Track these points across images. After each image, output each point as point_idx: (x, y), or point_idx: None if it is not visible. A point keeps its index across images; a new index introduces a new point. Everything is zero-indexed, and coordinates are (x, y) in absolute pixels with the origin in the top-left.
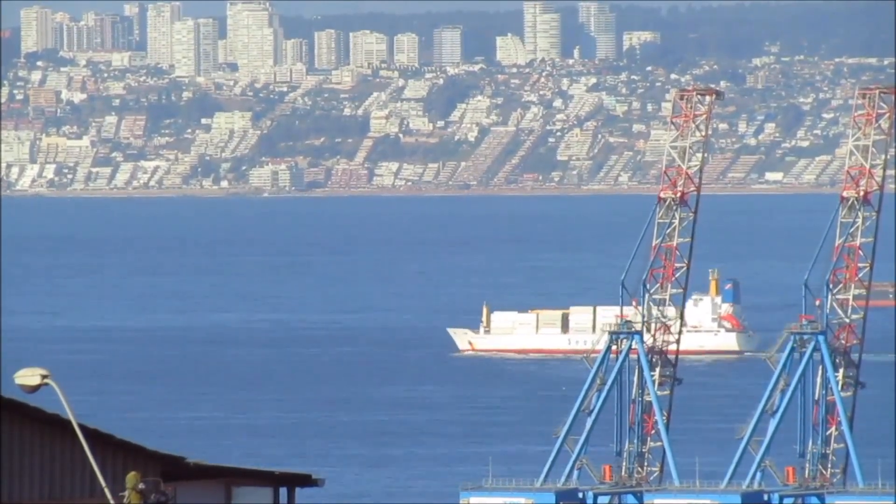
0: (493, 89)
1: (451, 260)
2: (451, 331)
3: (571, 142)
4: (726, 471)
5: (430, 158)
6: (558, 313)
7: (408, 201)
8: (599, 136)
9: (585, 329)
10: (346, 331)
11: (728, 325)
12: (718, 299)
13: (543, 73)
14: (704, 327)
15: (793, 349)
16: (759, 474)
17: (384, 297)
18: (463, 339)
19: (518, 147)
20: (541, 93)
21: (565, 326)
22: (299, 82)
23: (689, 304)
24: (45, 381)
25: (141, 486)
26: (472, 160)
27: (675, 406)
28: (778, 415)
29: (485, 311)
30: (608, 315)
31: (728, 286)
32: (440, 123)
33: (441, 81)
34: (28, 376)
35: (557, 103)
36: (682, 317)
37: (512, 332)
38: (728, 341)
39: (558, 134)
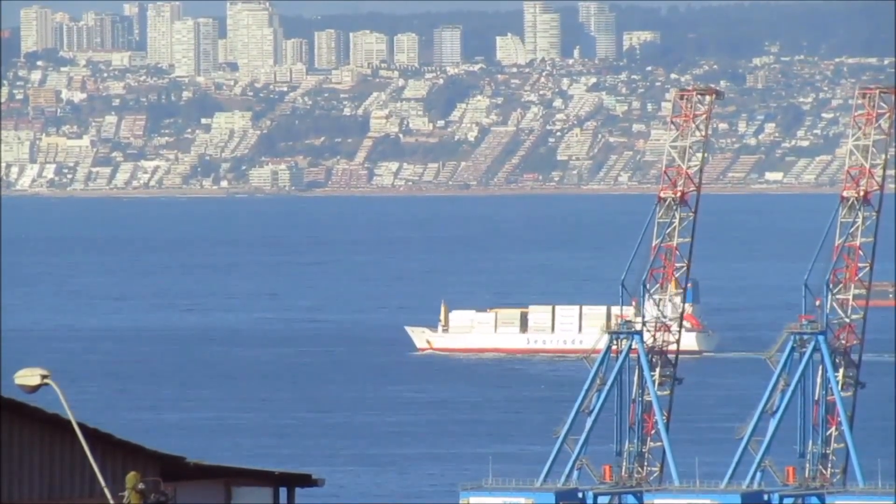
0: (493, 89)
1: (429, 259)
2: (409, 329)
3: (571, 142)
4: (726, 471)
5: (430, 158)
6: (517, 312)
7: (407, 201)
8: (599, 135)
9: (544, 328)
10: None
11: (688, 324)
12: (678, 298)
13: (543, 73)
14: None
15: (793, 349)
16: (759, 474)
17: (347, 297)
18: (421, 337)
19: (518, 147)
20: (541, 93)
21: (524, 325)
22: (299, 82)
23: (649, 304)
24: (45, 381)
25: (141, 485)
26: (472, 160)
27: (674, 406)
28: (778, 415)
29: (443, 309)
30: (568, 315)
31: (688, 285)
32: (440, 123)
33: (441, 81)
34: (28, 376)
35: (557, 103)
36: (681, 317)
37: (470, 331)
38: (688, 341)
39: (558, 134)
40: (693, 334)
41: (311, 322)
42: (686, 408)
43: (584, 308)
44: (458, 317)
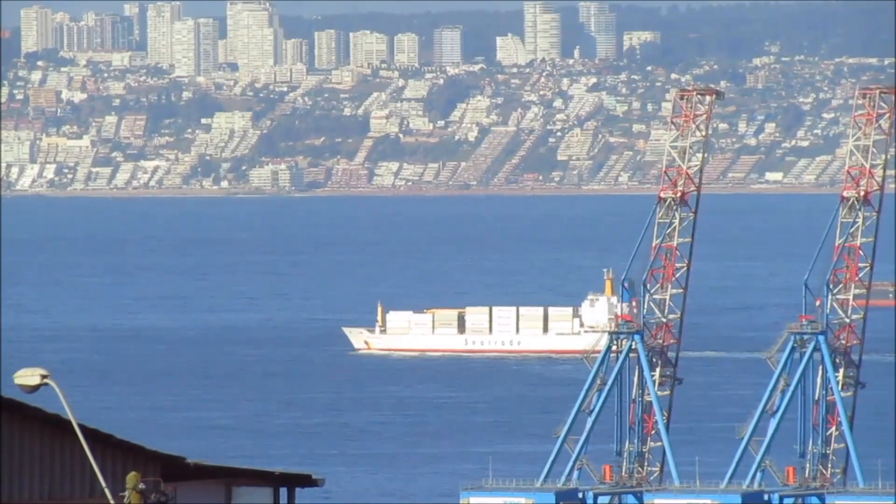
0: (493, 89)
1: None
2: (346, 330)
3: (571, 142)
4: (726, 471)
5: (431, 158)
6: (454, 313)
7: (408, 201)
8: (599, 136)
9: (482, 329)
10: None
11: None
12: (614, 299)
13: (543, 73)
14: (601, 327)
15: (793, 349)
16: (759, 474)
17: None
18: (359, 338)
19: (518, 147)
20: (541, 93)
21: (461, 327)
22: (299, 82)
23: (586, 304)
24: (45, 381)
25: (141, 486)
26: (472, 160)
27: (674, 406)
28: (778, 415)
29: (379, 310)
30: (505, 316)
31: (625, 285)
32: (440, 123)
33: (441, 81)
34: (28, 376)
35: (557, 103)
36: (682, 317)
37: (408, 332)
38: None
39: (558, 134)
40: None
41: (308, 321)
42: (684, 408)
43: (521, 309)
44: (396, 318)
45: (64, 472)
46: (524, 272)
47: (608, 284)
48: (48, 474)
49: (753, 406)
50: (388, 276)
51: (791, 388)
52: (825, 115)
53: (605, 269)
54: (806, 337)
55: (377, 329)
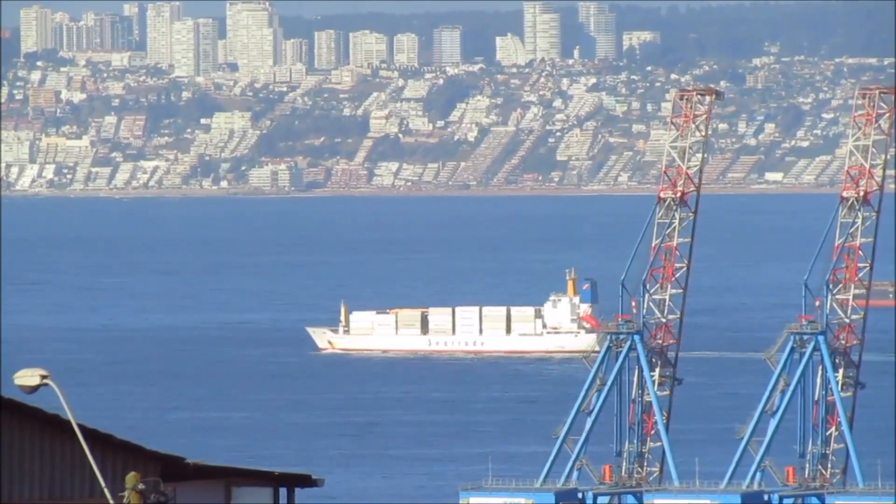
0: (492, 89)
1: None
2: (310, 329)
3: (571, 142)
4: (726, 471)
5: (430, 158)
6: (417, 313)
7: (407, 202)
8: (599, 136)
9: (445, 330)
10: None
11: (587, 325)
12: (577, 299)
13: (543, 73)
14: (564, 328)
15: (793, 349)
16: (759, 474)
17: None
18: (322, 338)
19: (518, 147)
20: (540, 93)
21: (425, 327)
22: (299, 82)
23: (548, 304)
24: (45, 381)
25: (141, 486)
26: (471, 160)
27: (674, 406)
28: (778, 415)
29: (343, 310)
30: (468, 316)
31: (585, 286)
32: (440, 123)
33: (441, 81)
34: (27, 377)
35: (557, 103)
36: (682, 317)
37: (371, 333)
38: (588, 341)
39: (558, 134)
40: (594, 335)
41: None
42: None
43: (485, 309)
44: (359, 318)
45: (63, 472)
46: (510, 272)
47: (570, 285)
48: (48, 474)
49: (753, 406)
50: (363, 276)
51: (791, 388)
52: (825, 116)
53: (567, 270)
54: (806, 337)
55: (340, 329)
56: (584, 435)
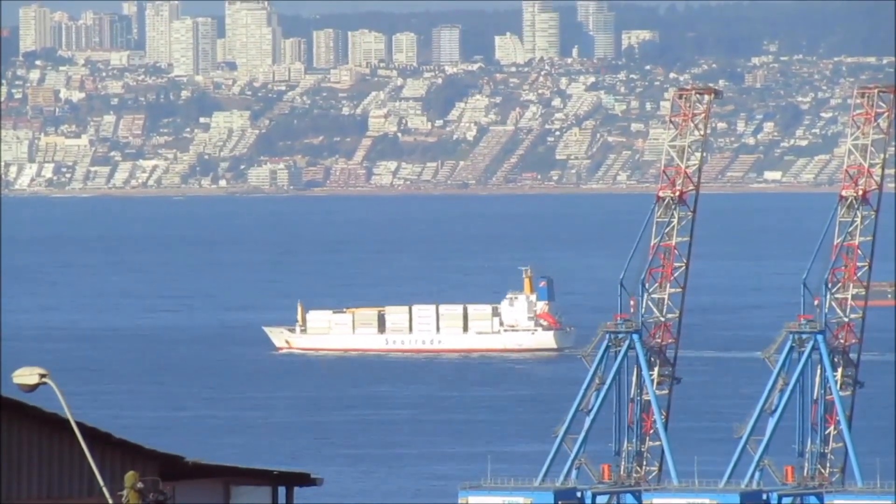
0: (491, 88)
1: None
2: (267, 329)
3: (570, 141)
4: (725, 470)
5: (429, 157)
6: (374, 313)
7: (406, 200)
8: (598, 135)
9: (402, 329)
10: None
11: (545, 323)
12: (533, 297)
13: (542, 73)
14: (521, 326)
15: (792, 348)
16: (757, 473)
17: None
18: (280, 337)
19: (517, 146)
20: (539, 92)
21: (382, 326)
22: (298, 81)
23: (505, 303)
24: (44, 380)
25: (139, 485)
26: (470, 159)
27: (673, 405)
28: (777, 414)
29: (300, 309)
30: (425, 315)
31: (542, 284)
32: (439, 122)
33: (440, 80)
34: (26, 375)
35: (556, 102)
36: (680, 316)
37: (328, 332)
38: (546, 339)
39: (557, 133)
40: (551, 333)
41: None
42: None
43: (441, 308)
44: (316, 317)
45: (63, 471)
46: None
47: (526, 283)
48: (47, 474)
49: (752, 405)
50: (323, 275)
51: (789, 387)
52: (824, 115)
53: (523, 268)
54: (804, 336)
55: (297, 329)
56: (583, 434)
